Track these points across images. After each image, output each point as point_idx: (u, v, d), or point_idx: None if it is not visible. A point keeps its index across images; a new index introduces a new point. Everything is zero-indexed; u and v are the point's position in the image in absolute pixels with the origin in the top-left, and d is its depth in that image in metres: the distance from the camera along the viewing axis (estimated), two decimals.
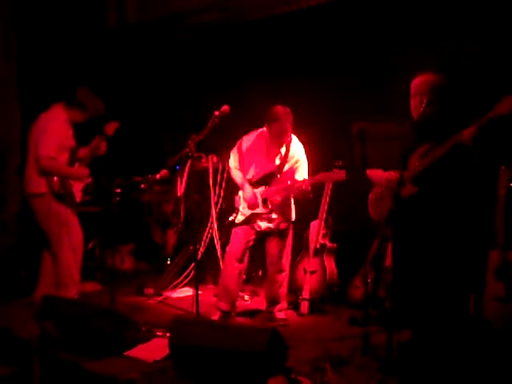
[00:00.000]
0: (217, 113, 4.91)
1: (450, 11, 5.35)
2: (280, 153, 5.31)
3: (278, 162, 5.31)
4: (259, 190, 5.31)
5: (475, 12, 5.20)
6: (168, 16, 7.30)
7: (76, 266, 5.63)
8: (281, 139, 5.26)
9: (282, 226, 5.34)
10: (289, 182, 5.21)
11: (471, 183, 4.08)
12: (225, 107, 4.94)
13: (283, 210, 5.34)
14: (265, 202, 5.29)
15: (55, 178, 5.44)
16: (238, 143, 5.50)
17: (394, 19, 5.77)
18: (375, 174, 4.53)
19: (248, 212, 5.35)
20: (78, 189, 5.65)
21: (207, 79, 7.58)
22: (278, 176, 5.28)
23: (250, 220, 5.34)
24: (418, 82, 4.26)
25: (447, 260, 4.12)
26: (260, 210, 5.31)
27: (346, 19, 6.16)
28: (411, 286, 4.26)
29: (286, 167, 5.28)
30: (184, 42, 7.81)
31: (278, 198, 5.27)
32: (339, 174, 5.03)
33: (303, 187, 5.07)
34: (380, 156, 4.71)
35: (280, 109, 5.19)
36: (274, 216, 5.30)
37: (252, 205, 5.31)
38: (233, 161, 5.52)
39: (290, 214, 5.39)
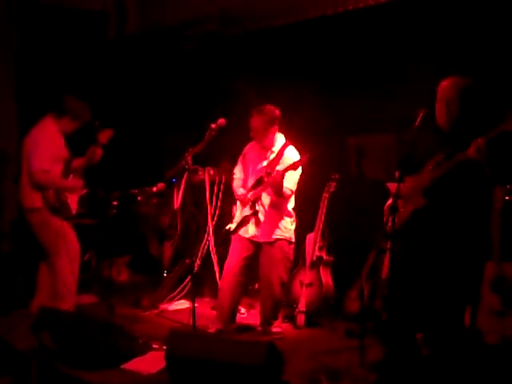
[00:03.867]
0: (213, 126, 4.93)
1: (451, 22, 5.39)
2: (267, 158, 5.32)
3: (265, 163, 5.30)
4: (250, 194, 5.32)
5: (472, 20, 5.25)
6: (168, 26, 7.35)
7: (73, 278, 5.62)
8: (256, 137, 5.27)
9: (271, 236, 5.27)
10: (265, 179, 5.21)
11: (478, 198, 4.09)
12: (221, 120, 4.96)
13: (274, 218, 5.29)
14: (253, 204, 5.27)
15: (50, 192, 5.44)
16: (242, 151, 5.55)
17: (394, 31, 5.81)
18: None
19: (239, 218, 5.35)
20: (73, 201, 5.65)
21: (207, 89, 7.61)
22: (266, 180, 5.20)
23: (241, 225, 5.32)
24: (441, 88, 4.21)
25: (445, 272, 4.13)
26: (247, 211, 5.28)
27: (344, 31, 6.20)
28: (407, 297, 4.27)
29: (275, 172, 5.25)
30: (184, 53, 7.85)
31: (266, 202, 5.25)
32: (302, 159, 4.99)
33: (276, 178, 5.01)
34: (376, 167, 4.74)
35: (257, 107, 5.23)
36: (261, 218, 5.27)
37: (242, 201, 5.32)
38: (236, 171, 5.54)
39: (284, 229, 5.31)
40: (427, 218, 4.18)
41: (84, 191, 5.76)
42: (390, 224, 4.13)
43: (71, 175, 5.66)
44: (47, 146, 5.45)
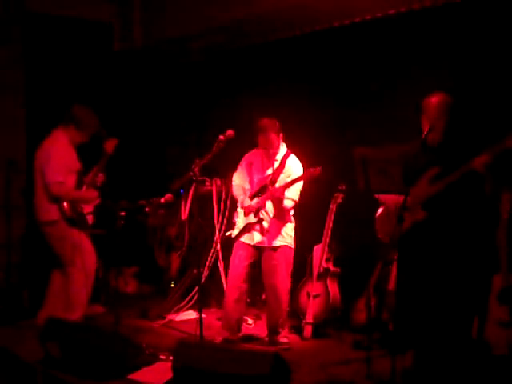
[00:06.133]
0: (221, 137, 4.95)
1: (453, 33, 5.39)
2: (272, 166, 5.36)
3: (269, 172, 5.35)
4: (254, 202, 5.36)
5: (478, 33, 5.24)
6: (173, 38, 7.38)
7: (86, 291, 5.60)
8: (268, 149, 5.34)
9: (275, 242, 5.30)
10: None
11: (481, 210, 4.10)
12: (229, 132, 4.98)
13: (278, 225, 5.32)
14: (257, 212, 5.31)
15: (65, 203, 5.45)
16: (242, 159, 5.58)
17: (395, 41, 5.83)
18: (386, 196, 4.54)
19: (242, 224, 5.38)
20: (88, 211, 5.66)
21: (212, 101, 7.64)
22: (270, 188, 5.27)
23: (244, 231, 5.36)
24: (429, 103, 4.26)
25: (452, 284, 4.12)
26: (251, 219, 5.33)
27: (352, 43, 6.22)
28: (415, 308, 4.27)
29: (280, 181, 5.27)
30: (188, 64, 7.89)
31: (270, 209, 5.29)
32: (314, 172, 5.03)
33: (276, 193, 5.13)
34: (383, 179, 4.74)
35: (265, 120, 5.30)
36: (265, 226, 5.30)
37: (247, 211, 5.36)
38: (236, 178, 5.57)
39: (286, 236, 5.35)
40: (430, 230, 4.19)
41: (98, 201, 5.76)
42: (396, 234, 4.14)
43: (85, 186, 5.67)
44: (60, 158, 5.46)
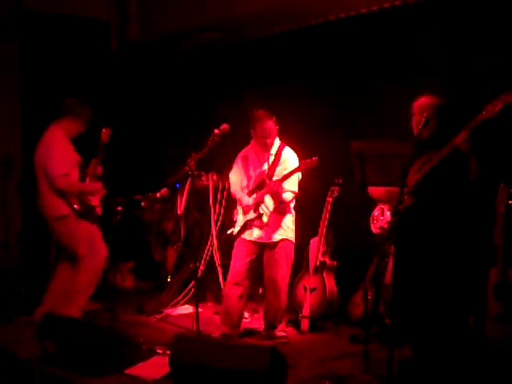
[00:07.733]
0: (216, 131, 4.95)
1: (450, 28, 5.39)
2: (268, 160, 5.35)
3: (265, 167, 5.35)
4: (252, 198, 5.36)
5: (475, 27, 5.23)
6: (169, 35, 7.37)
7: (90, 289, 5.60)
8: (266, 139, 5.32)
9: (275, 237, 5.29)
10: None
11: (469, 192, 4.10)
12: (224, 125, 4.97)
13: (277, 218, 5.32)
14: (256, 207, 5.30)
15: (74, 197, 5.45)
16: (237, 156, 5.56)
17: (393, 36, 5.81)
18: (377, 189, 4.55)
19: (242, 222, 5.37)
20: (95, 203, 5.66)
21: (207, 96, 7.63)
22: (268, 182, 5.26)
23: (245, 228, 5.35)
24: (419, 103, 4.31)
25: (447, 276, 4.12)
26: (251, 215, 5.31)
27: (343, 37, 6.21)
28: (411, 301, 4.27)
29: (277, 174, 5.27)
30: (184, 61, 7.87)
31: (269, 203, 5.28)
32: (311, 163, 5.02)
33: (274, 187, 5.12)
34: (379, 173, 4.74)
35: (261, 110, 5.28)
36: (264, 220, 5.28)
37: (246, 209, 5.34)
38: (232, 176, 5.55)
39: (286, 229, 5.35)
40: (420, 216, 4.19)
41: (104, 192, 5.76)
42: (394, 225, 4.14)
43: (88, 178, 5.66)
44: (61, 151, 5.46)
